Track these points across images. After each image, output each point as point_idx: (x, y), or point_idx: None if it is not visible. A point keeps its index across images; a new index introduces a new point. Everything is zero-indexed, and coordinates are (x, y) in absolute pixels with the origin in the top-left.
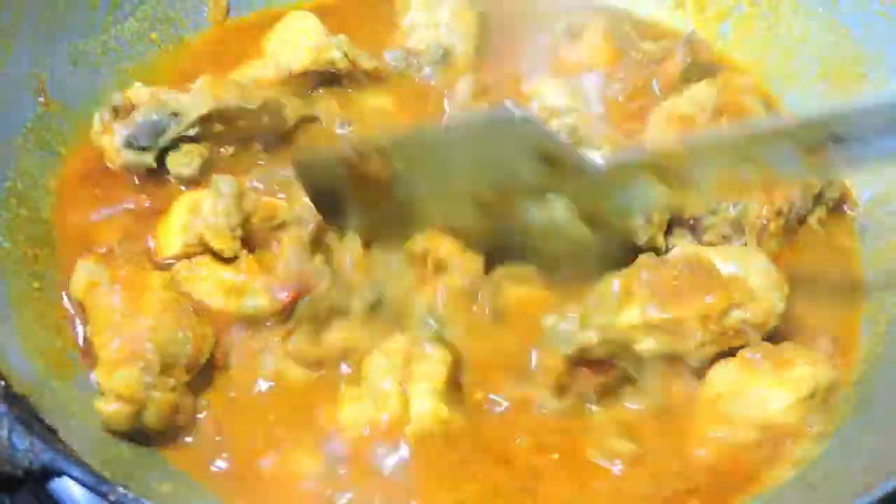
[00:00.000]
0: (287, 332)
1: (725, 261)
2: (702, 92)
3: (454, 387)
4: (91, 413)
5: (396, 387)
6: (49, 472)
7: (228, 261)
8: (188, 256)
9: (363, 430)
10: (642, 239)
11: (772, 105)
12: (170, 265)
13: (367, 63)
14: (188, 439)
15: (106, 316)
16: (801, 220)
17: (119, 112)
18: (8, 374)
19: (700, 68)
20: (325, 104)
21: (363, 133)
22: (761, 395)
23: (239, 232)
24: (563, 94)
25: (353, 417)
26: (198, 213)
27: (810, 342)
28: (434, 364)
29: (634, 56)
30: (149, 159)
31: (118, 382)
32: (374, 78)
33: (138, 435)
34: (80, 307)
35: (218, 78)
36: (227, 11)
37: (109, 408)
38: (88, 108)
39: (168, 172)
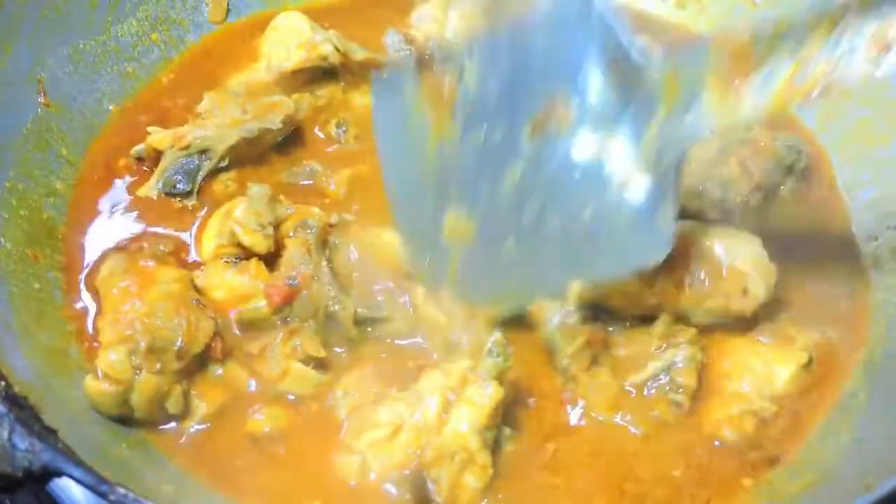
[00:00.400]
0: (290, 332)
1: (722, 244)
2: None
3: (493, 424)
4: (91, 413)
5: (440, 400)
6: (49, 472)
7: (242, 266)
8: (220, 257)
9: (388, 430)
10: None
11: None
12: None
13: (359, 55)
14: (190, 439)
15: (112, 303)
16: (774, 192)
17: (144, 161)
18: (8, 374)
19: None
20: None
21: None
22: (767, 369)
23: (270, 231)
24: None
25: (385, 417)
26: (231, 217)
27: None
28: (483, 396)
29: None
30: (192, 201)
31: (105, 362)
32: (368, 68)
33: (132, 422)
34: (98, 297)
35: (221, 92)
36: (228, 12)
37: (97, 386)
38: (88, 109)
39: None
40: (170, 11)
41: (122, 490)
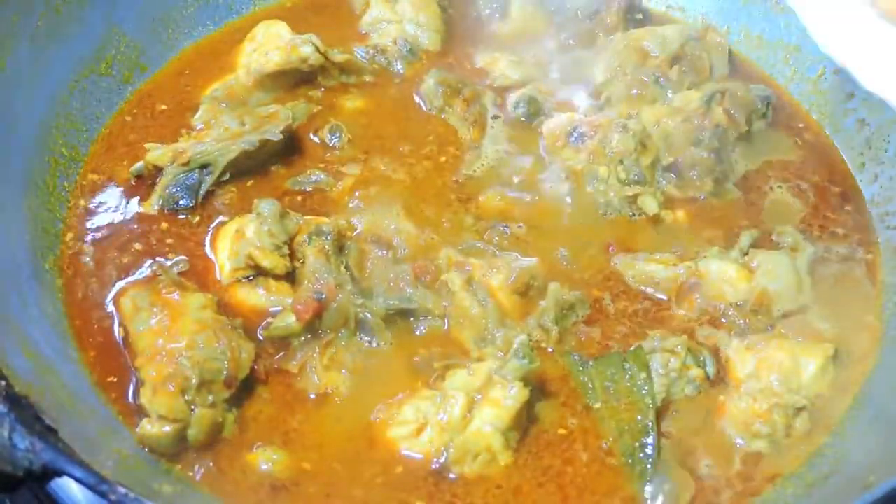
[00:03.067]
0: (325, 345)
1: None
2: (669, 34)
3: (516, 425)
4: (91, 413)
5: (465, 400)
6: (49, 472)
7: (260, 282)
8: (236, 278)
9: (413, 427)
10: (652, 210)
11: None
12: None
13: (339, 57)
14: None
15: (146, 340)
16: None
17: (145, 178)
18: (8, 374)
19: (641, 13)
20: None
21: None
22: (794, 364)
23: (286, 250)
24: (515, 68)
25: (410, 414)
26: (243, 238)
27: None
28: (508, 398)
29: (568, 15)
30: (197, 218)
31: (160, 404)
32: (347, 72)
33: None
34: (125, 336)
35: (214, 105)
36: None
37: (155, 429)
38: (89, 113)
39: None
40: (171, 13)
41: (122, 490)
